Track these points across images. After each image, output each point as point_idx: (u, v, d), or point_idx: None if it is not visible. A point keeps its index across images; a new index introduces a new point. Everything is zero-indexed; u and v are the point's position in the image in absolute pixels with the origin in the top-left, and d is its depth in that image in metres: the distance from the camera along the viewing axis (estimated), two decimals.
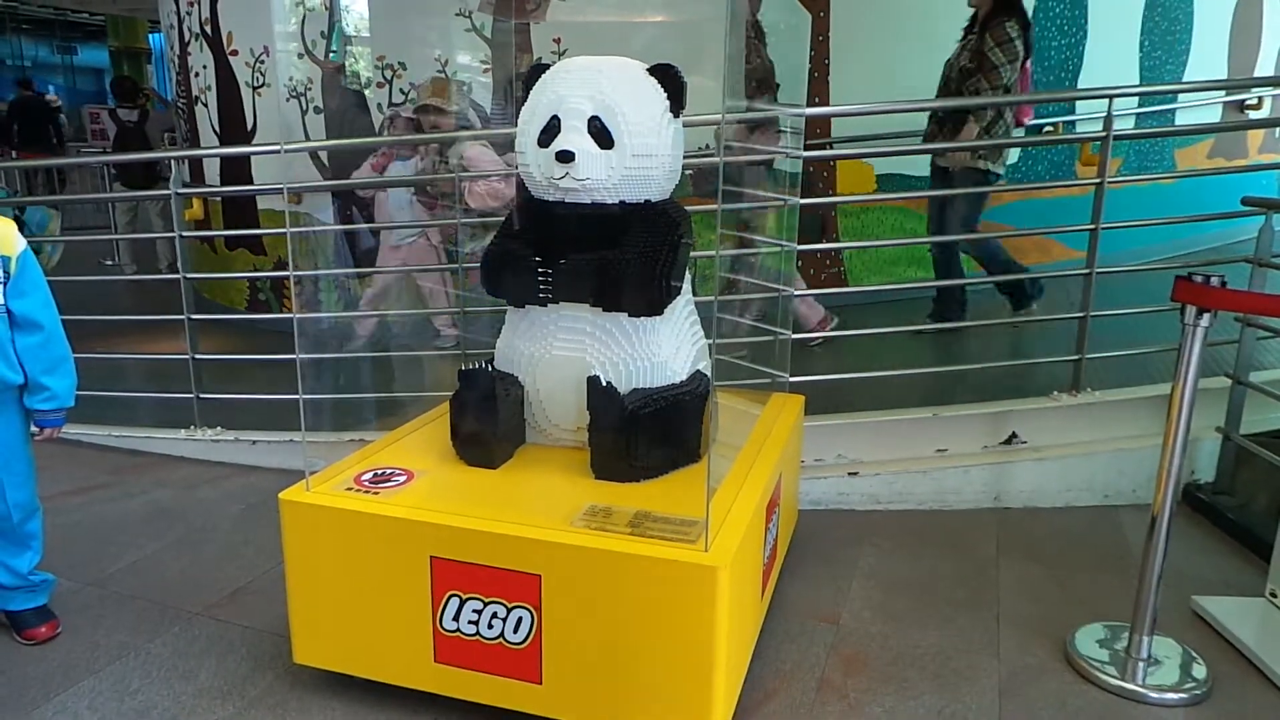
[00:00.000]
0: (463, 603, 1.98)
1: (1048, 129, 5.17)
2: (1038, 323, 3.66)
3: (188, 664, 2.34)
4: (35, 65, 24.91)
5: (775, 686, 2.24)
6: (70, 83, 24.64)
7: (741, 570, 1.96)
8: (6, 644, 2.41)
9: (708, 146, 3.79)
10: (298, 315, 2.50)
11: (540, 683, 1.95)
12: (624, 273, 2.16)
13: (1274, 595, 2.59)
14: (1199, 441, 3.40)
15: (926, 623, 2.55)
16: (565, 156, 2.10)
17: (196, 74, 6.24)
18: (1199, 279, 2.08)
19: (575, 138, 2.12)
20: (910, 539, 3.07)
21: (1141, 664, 2.30)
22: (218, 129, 6.14)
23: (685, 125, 2.29)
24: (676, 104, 2.23)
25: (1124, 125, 5.40)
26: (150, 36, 15.24)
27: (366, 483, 2.17)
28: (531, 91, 2.28)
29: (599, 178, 2.14)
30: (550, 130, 2.17)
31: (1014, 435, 3.38)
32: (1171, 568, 2.82)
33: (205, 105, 6.16)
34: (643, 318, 2.21)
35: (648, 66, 2.24)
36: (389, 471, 2.24)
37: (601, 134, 2.13)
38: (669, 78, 2.22)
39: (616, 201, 2.19)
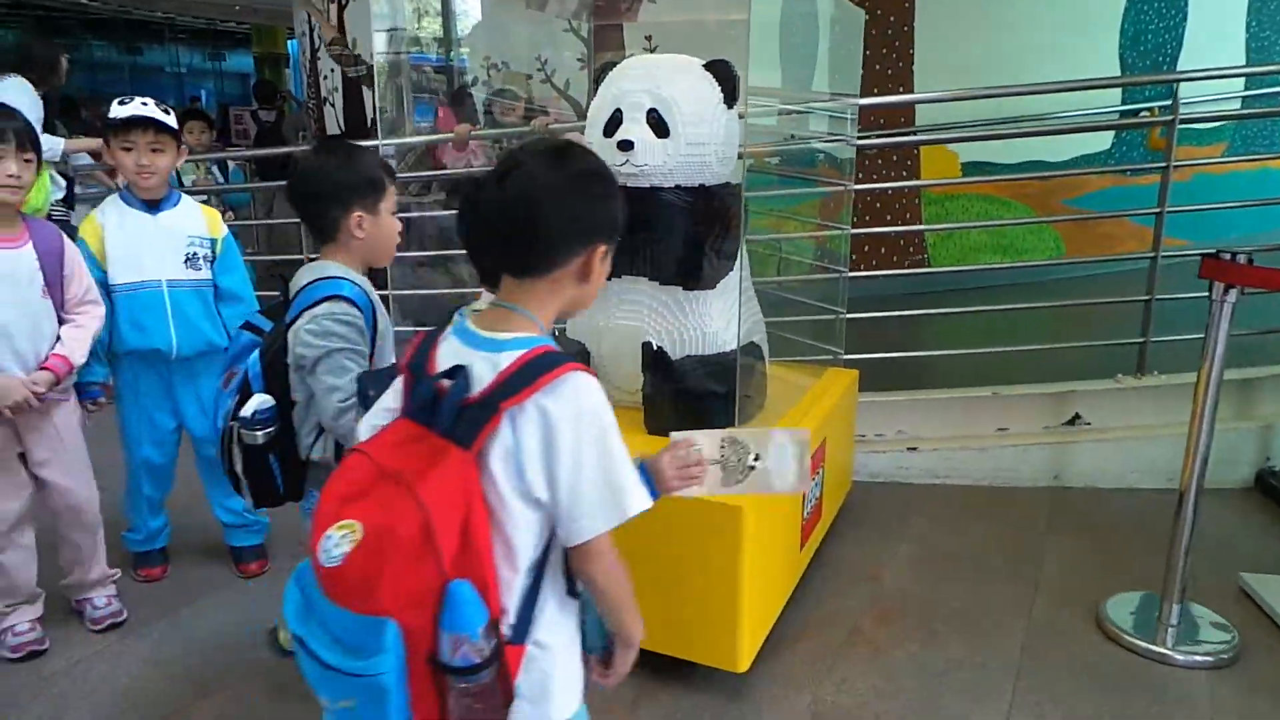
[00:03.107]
0: None
1: (1144, 113, 5.07)
2: (1106, 305, 3.67)
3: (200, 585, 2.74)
4: (189, 71, 27.11)
5: (809, 630, 2.45)
6: (220, 87, 26.68)
7: (771, 516, 2.17)
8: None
9: (793, 137, 3.97)
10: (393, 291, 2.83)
11: None
12: (677, 250, 2.39)
13: None
14: (1274, 429, 3.37)
15: (964, 585, 2.69)
16: (625, 145, 2.34)
17: (325, 77, 6.83)
18: (1226, 256, 2.16)
19: (634, 128, 2.36)
20: (963, 512, 3.19)
21: (1171, 629, 2.38)
22: (342, 126, 6.70)
23: (740, 117, 2.50)
24: (730, 97, 2.44)
25: (1232, 106, 5.25)
26: (289, 43, 16.41)
27: None
28: (600, 88, 2.54)
29: (656, 164, 2.37)
30: (614, 122, 2.42)
31: (1077, 416, 3.43)
32: (1231, 548, 2.88)
33: (332, 105, 6.74)
34: (695, 291, 2.44)
35: (704, 62, 2.46)
36: None
37: (659, 124, 2.36)
38: (723, 72, 2.44)
39: (673, 185, 2.42)
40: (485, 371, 1.11)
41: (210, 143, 5.39)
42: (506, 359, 1.11)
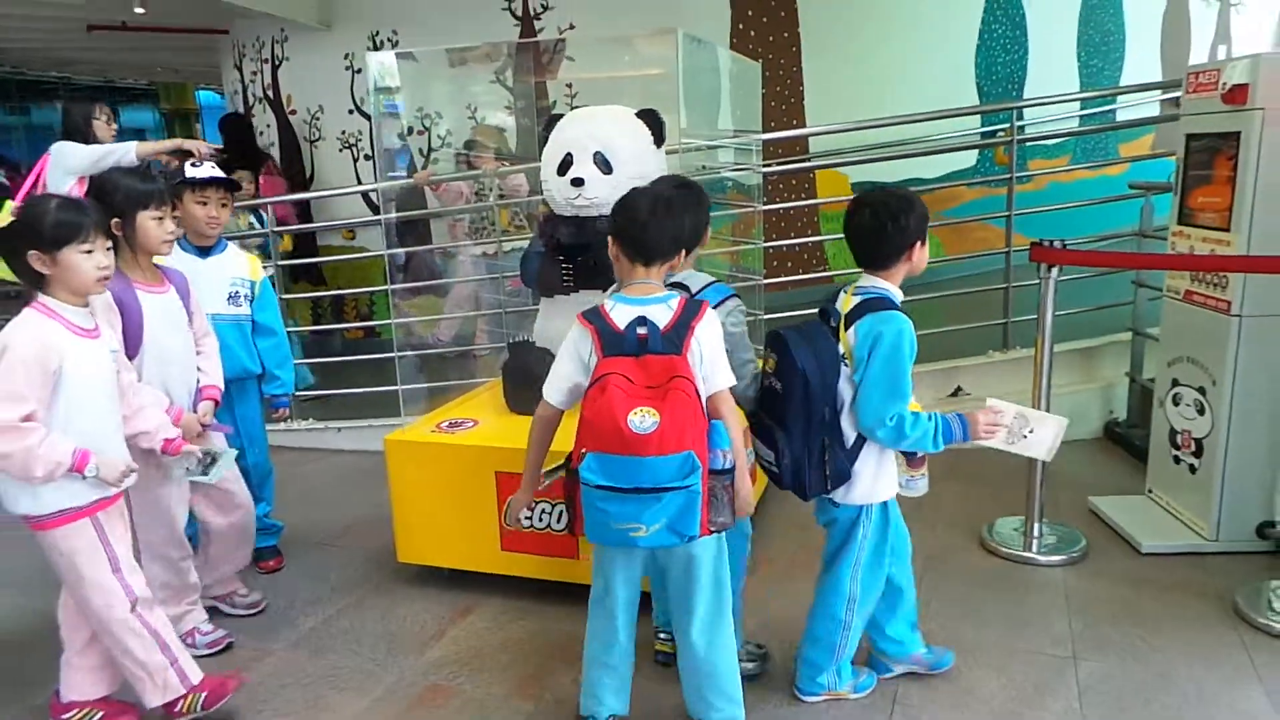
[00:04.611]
0: None
1: (1000, 133, 5.89)
2: (978, 294, 4.37)
3: (323, 572, 3.15)
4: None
5: (761, 565, 2.98)
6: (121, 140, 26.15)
7: None
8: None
9: (704, 168, 4.58)
10: (396, 320, 3.29)
11: (577, 557, 2.71)
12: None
13: (1150, 492, 3.30)
14: (1114, 387, 4.11)
15: None
16: (578, 182, 2.86)
17: (261, 132, 7.17)
18: (1047, 243, 2.83)
19: (584, 168, 2.88)
20: None
21: (1035, 540, 3.02)
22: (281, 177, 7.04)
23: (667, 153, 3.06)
24: (659, 138, 2.99)
25: (1069, 125, 6.14)
26: (197, 94, 16.44)
27: (445, 428, 2.97)
28: (550, 135, 3.06)
29: (603, 195, 2.87)
30: (565, 163, 2.93)
31: (959, 388, 4.10)
32: (1084, 482, 3.54)
33: (270, 158, 7.08)
34: None
35: (636, 111, 3.01)
36: (460, 421, 3.03)
37: (604, 163, 2.88)
38: (652, 119, 2.99)
39: None
40: (662, 314, 1.91)
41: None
42: (676, 303, 1.93)
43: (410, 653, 2.63)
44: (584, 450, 1.85)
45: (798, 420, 2.06)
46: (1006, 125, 4.84)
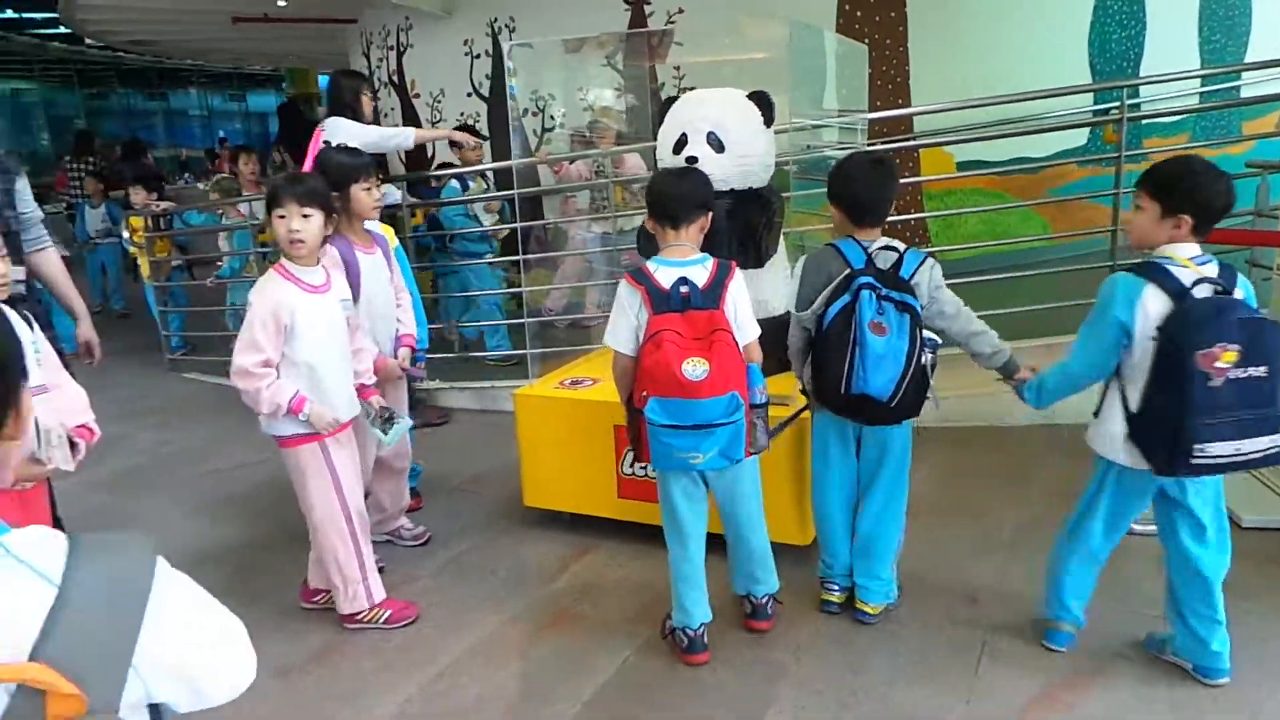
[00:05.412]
0: (635, 454, 3.02)
1: (1113, 111, 5.79)
2: (1079, 272, 4.39)
3: (455, 514, 3.51)
4: (212, 113, 28.23)
5: None
6: (246, 127, 27.75)
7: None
8: None
9: (809, 148, 4.72)
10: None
11: None
12: (735, 237, 3.13)
13: None
14: None
15: (972, 490, 3.42)
16: (692, 160, 3.07)
17: (385, 115, 7.64)
18: None
19: (698, 147, 3.08)
20: (972, 443, 3.91)
21: None
22: (403, 159, 7.50)
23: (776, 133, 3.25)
24: (768, 119, 3.18)
25: (1189, 102, 5.98)
26: (321, 78, 17.41)
27: (567, 385, 3.26)
28: (666, 116, 3.28)
29: (715, 174, 3.07)
30: (680, 143, 3.15)
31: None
32: None
33: None
34: (749, 270, 3.17)
35: (747, 93, 3.20)
36: (581, 379, 3.32)
37: (716, 143, 3.09)
38: (762, 100, 3.17)
39: (728, 189, 3.16)
40: (700, 273, 2.28)
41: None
42: (711, 265, 2.32)
43: (538, 583, 2.95)
44: (645, 393, 2.20)
45: None
46: (1119, 103, 4.81)
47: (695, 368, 2.14)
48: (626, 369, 2.34)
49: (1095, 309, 2.17)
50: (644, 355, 2.20)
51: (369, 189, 2.91)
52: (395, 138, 4.11)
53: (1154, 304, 2.05)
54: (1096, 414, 2.26)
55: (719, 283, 2.27)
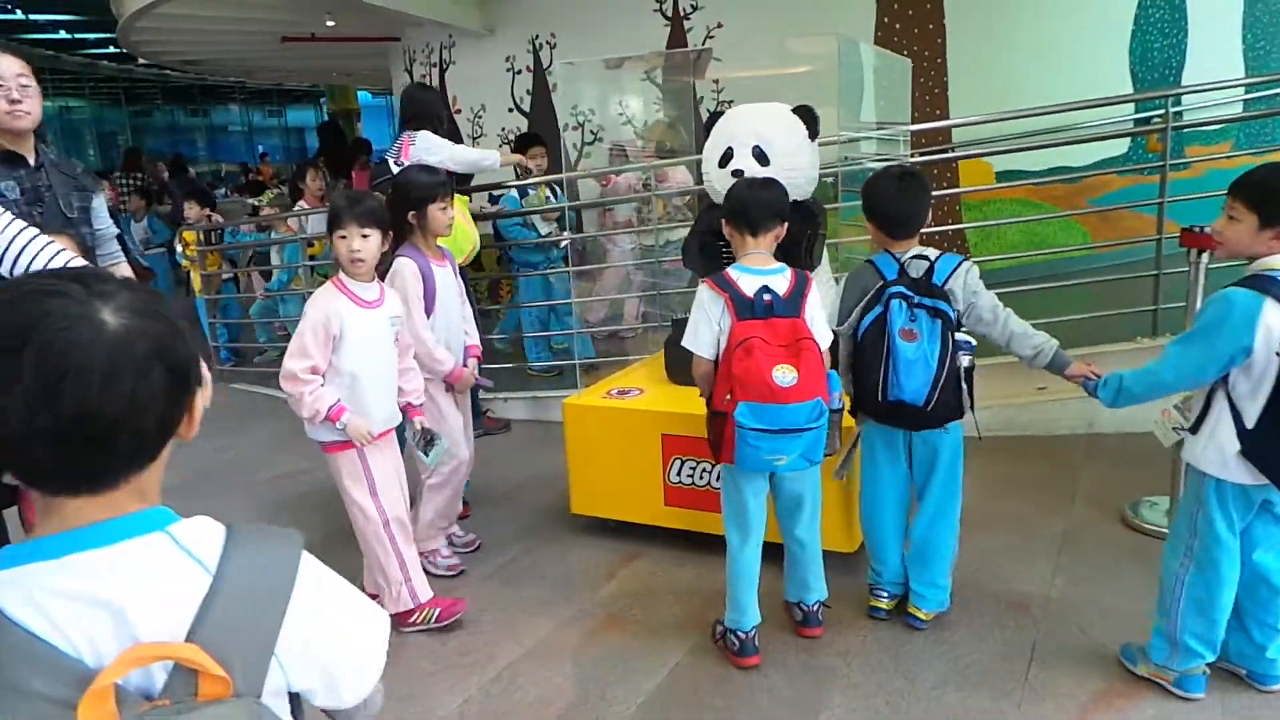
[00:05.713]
0: (683, 463, 3.08)
1: (1155, 120, 5.77)
2: (1123, 280, 4.38)
3: (503, 521, 3.59)
4: (253, 129, 28.80)
5: None
6: (285, 142, 28.29)
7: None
8: None
9: (846, 159, 4.77)
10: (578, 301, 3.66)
11: None
12: (781, 249, 3.18)
13: None
14: None
15: (1013, 498, 3.43)
16: (738, 174, 3.13)
17: None
18: (1197, 228, 2.90)
19: (744, 160, 3.14)
20: (1011, 452, 3.91)
21: (1167, 516, 3.10)
22: None
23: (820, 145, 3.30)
24: (813, 132, 3.23)
25: (1232, 110, 5.93)
26: (359, 94, 17.72)
27: (614, 394, 3.33)
28: (712, 131, 3.35)
29: None
30: (726, 156, 3.21)
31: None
32: None
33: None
34: None
35: (792, 107, 3.26)
36: (627, 389, 3.38)
37: (761, 156, 3.15)
38: (806, 114, 3.23)
39: None
40: (781, 282, 2.37)
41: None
42: (790, 274, 2.40)
43: (586, 588, 3.01)
44: (730, 397, 2.27)
45: None
46: (1161, 112, 4.80)
47: (785, 374, 2.23)
48: (708, 373, 2.41)
49: (1203, 324, 2.08)
50: (734, 361, 2.26)
51: (444, 208, 3.03)
52: (486, 159, 4.25)
53: (1276, 320, 1.98)
54: (1194, 430, 2.19)
55: (799, 292, 2.36)
